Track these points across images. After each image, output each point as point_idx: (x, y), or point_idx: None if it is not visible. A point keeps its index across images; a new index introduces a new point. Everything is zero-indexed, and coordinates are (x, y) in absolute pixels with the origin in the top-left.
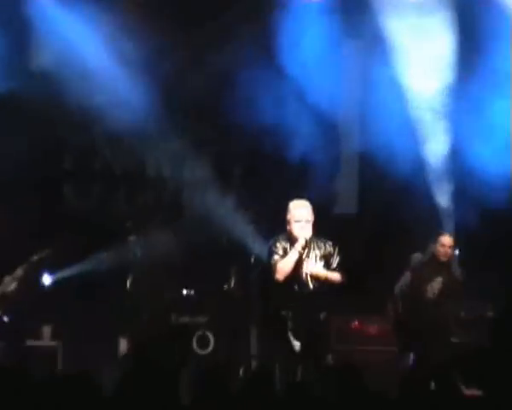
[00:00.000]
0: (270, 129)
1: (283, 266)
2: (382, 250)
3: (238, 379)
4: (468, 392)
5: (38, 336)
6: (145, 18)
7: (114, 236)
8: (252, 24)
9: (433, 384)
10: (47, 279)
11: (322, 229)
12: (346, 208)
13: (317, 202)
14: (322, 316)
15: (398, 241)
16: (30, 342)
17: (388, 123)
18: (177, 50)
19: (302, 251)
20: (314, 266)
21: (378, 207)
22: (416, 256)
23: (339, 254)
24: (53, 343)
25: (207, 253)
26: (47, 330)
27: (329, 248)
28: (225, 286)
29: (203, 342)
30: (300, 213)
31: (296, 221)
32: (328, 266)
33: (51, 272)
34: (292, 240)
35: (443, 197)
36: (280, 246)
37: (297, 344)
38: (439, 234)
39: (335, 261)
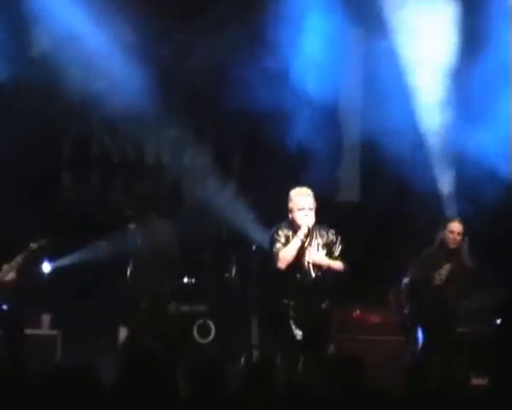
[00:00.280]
0: (270, 116)
1: (285, 255)
2: (385, 238)
3: (239, 368)
4: (475, 381)
5: (37, 325)
6: (143, 3)
7: (113, 224)
8: (251, 9)
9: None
10: (46, 268)
11: (324, 217)
12: (349, 196)
13: (319, 189)
14: (324, 305)
15: (401, 228)
16: (29, 331)
17: (390, 110)
18: (175, 36)
19: (304, 239)
20: (316, 255)
21: (380, 194)
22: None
23: (341, 242)
24: (52, 332)
25: (208, 241)
26: (46, 319)
27: (332, 237)
28: (226, 275)
29: (204, 331)
30: (303, 201)
31: (299, 209)
32: (330, 254)
33: (50, 261)
34: (294, 228)
35: (445, 184)
36: (282, 234)
37: (298, 333)
38: (448, 220)
39: (338, 250)
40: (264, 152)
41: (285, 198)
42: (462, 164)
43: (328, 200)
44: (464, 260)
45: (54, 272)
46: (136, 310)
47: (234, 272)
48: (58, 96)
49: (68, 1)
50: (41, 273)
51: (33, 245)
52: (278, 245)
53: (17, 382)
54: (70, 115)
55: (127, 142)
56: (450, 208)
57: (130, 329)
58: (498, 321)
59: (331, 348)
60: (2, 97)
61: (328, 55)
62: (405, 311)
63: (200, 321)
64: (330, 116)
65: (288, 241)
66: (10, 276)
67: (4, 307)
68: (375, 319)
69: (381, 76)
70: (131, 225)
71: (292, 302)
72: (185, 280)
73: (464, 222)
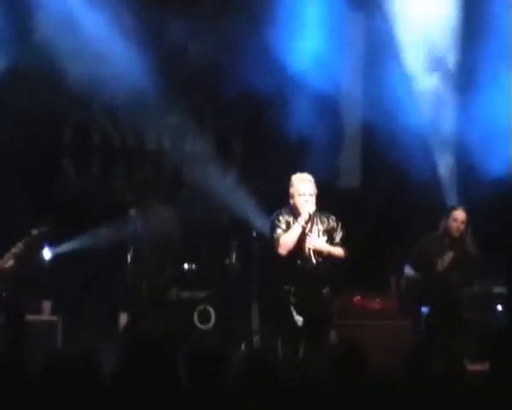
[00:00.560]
0: (271, 103)
1: (286, 241)
2: (385, 224)
3: (240, 354)
4: (473, 367)
5: (38, 311)
6: None
7: (114, 210)
8: None
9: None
10: (47, 254)
11: (324, 203)
12: (349, 182)
13: (320, 176)
14: (324, 291)
15: (402, 214)
16: (29, 317)
17: (391, 96)
18: (176, 23)
19: (305, 225)
20: (317, 241)
21: (381, 181)
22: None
23: (342, 228)
24: (53, 318)
25: (208, 227)
26: (47, 305)
27: (332, 223)
28: (227, 261)
29: (204, 317)
30: (304, 187)
31: (300, 195)
32: (331, 240)
33: (51, 247)
34: (295, 214)
35: (446, 170)
36: (283, 220)
37: (299, 319)
38: (452, 208)
39: (338, 236)
40: (265, 139)
41: (286, 184)
42: (462, 151)
43: (329, 186)
44: (467, 248)
45: (55, 258)
46: (137, 296)
47: (234, 258)
48: (58, 82)
49: None
50: (42, 260)
51: (34, 232)
52: (279, 231)
53: (17, 369)
54: (70, 102)
55: (128, 128)
56: (451, 196)
57: (131, 315)
58: (500, 307)
59: (332, 334)
60: (1, 84)
61: (329, 42)
62: (407, 296)
63: (201, 307)
64: (331, 103)
65: (288, 227)
66: (10, 263)
67: (5, 293)
68: (375, 305)
69: (382, 62)
70: (132, 212)
71: (292, 288)
72: (185, 266)
73: (467, 210)
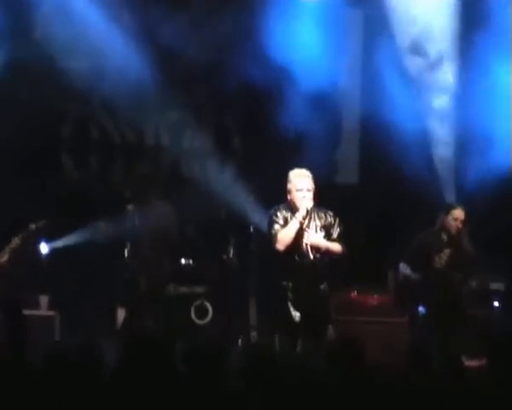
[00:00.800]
0: (270, 98)
1: (284, 236)
2: (383, 220)
3: (237, 350)
4: (469, 363)
5: (36, 306)
6: None
7: (113, 205)
8: None
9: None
10: (45, 248)
11: (322, 198)
12: (347, 178)
13: (318, 171)
14: (322, 287)
15: (400, 210)
16: (27, 312)
17: (390, 92)
18: (175, 19)
19: (303, 221)
20: (315, 237)
21: (379, 176)
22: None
23: (340, 224)
24: (50, 313)
25: (206, 222)
26: (44, 300)
27: (330, 219)
28: (224, 256)
29: (201, 313)
30: (302, 182)
31: (297, 190)
32: (328, 236)
33: (49, 242)
34: (293, 209)
35: (445, 165)
36: (281, 216)
37: (297, 315)
38: (452, 207)
39: (336, 232)
40: (264, 135)
41: (284, 180)
42: (462, 148)
43: (327, 182)
44: (465, 246)
45: (52, 253)
46: (135, 292)
47: (232, 253)
48: (58, 77)
49: None
50: (39, 254)
51: (32, 226)
52: (277, 227)
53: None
54: (69, 97)
55: (127, 124)
56: (449, 192)
57: (129, 310)
58: (497, 304)
59: (330, 330)
60: (1, 79)
61: (327, 38)
62: (406, 291)
63: (198, 303)
64: (329, 99)
65: (286, 222)
66: (5, 257)
67: (2, 287)
68: (373, 301)
69: (381, 57)
70: (130, 207)
71: (290, 284)
72: (183, 262)
73: (465, 209)
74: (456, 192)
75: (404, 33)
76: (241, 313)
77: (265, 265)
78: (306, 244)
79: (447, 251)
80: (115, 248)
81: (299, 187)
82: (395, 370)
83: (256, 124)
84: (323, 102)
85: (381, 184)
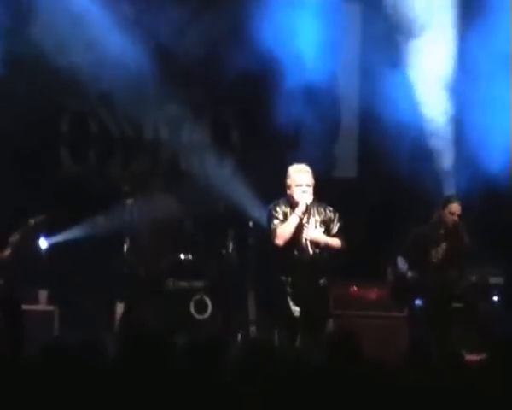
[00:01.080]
0: (268, 92)
1: (283, 231)
2: (382, 214)
3: (236, 345)
4: (469, 357)
5: (35, 301)
6: None
7: (111, 199)
8: None
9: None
10: (44, 243)
11: (321, 193)
12: (346, 172)
13: (316, 166)
14: (321, 281)
15: (398, 204)
16: (26, 307)
17: (389, 86)
18: (173, 12)
19: (302, 216)
20: (314, 232)
21: (378, 170)
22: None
23: (339, 219)
24: (49, 308)
25: (205, 217)
26: (43, 295)
27: (330, 214)
28: (223, 251)
29: (200, 307)
30: (301, 178)
31: (297, 185)
32: (328, 231)
33: (48, 236)
34: (292, 205)
35: (444, 161)
36: (280, 211)
37: (296, 310)
38: (449, 201)
39: (335, 227)
40: (262, 129)
41: (283, 175)
42: (462, 142)
43: (326, 177)
44: (462, 239)
45: (51, 247)
46: (134, 286)
47: (231, 248)
48: (56, 72)
49: None
50: (39, 249)
51: (31, 221)
52: (276, 222)
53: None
54: (68, 92)
55: (125, 118)
56: (449, 186)
57: (127, 304)
58: (496, 298)
59: (329, 324)
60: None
61: (325, 32)
62: (403, 285)
63: (197, 297)
64: (327, 92)
65: (285, 217)
66: (8, 252)
67: (1, 282)
68: (372, 295)
69: (380, 51)
70: (129, 201)
71: (289, 279)
72: (182, 256)
73: (462, 202)
74: (454, 186)
75: (401, 25)
76: (241, 307)
77: (264, 260)
78: (306, 239)
79: (444, 245)
80: (114, 242)
81: (298, 182)
82: (394, 364)
83: (254, 118)
84: (321, 97)
85: (379, 178)
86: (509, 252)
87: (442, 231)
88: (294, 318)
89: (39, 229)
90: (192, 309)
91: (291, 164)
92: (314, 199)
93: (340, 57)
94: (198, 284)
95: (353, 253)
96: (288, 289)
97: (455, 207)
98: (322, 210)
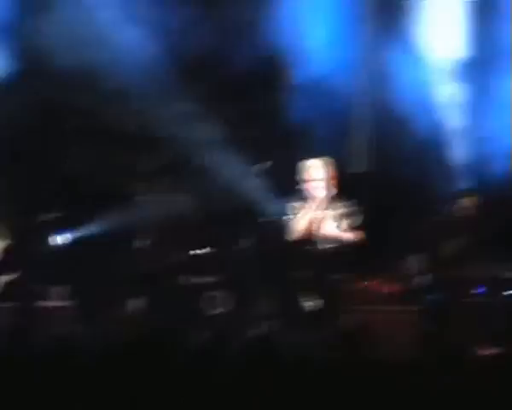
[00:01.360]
0: (282, 86)
1: (298, 226)
2: (395, 208)
3: (249, 339)
4: (483, 352)
5: (49, 297)
6: None
7: (126, 196)
8: None
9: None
10: (59, 239)
11: (335, 188)
12: (360, 166)
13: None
14: (335, 276)
15: (412, 198)
16: (40, 303)
17: (402, 78)
18: (185, 8)
19: (316, 211)
20: (329, 226)
21: (391, 164)
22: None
23: (353, 214)
24: (63, 304)
25: (219, 212)
26: (57, 291)
27: (344, 208)
28: (238, 245)
29: (215, 302)
30: (315, 172)
31: (310, 180)
32: (342, 225)
33: (62, 233)
34: (307, 199)
35: (457, 154)
36: (295, 205)
37: (310, 304)
38: (463, 194)
39: (350, 221)
40: (277, 123)
41: (297, 169)
42: (475, 136)
43: (340, 171)
44: (476, 233)
45: (66, 243)
46: (149, 281)
47: (245, 243)
48: (68, 68)
49: None
50: (53, 245)
51: (46, 217)
52: (290, 216)
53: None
54: (80, 88)
55: (139, 114)
56: (462, 180)
57: (142, 300)
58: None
59: (343, 318)
60: (12, 72)
61: (336, 25)
62: (419, 279)
63: (211, 292)
64: (338, 86)
65: (299, 212)
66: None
67: (16, 279)
68: (386, 289)
69: (393, 42)
70: (142, 198)
71: (303, 274)
72: (197, 251)
73: (477, 196)
74: (471, 180)
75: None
76: (255, 302)
77: (279, 254)
78: (320, 234)
79: (459, 238)
80: (127, 238)
81: (311, 177)
82: (407, 359)
83: (269, 113)
84: (334, 90)
85: (391, 172)
86: None
87: (455, 225)
88: (308, 312)
89: (54, 225)
90: (206, 304)
91: (304, 159)
92: (329, 193)
93: (352, 51)
94: (212, 279)
95: (366, 247)
96: (302, 284)
97: (469, 201)
98: (336, 204)
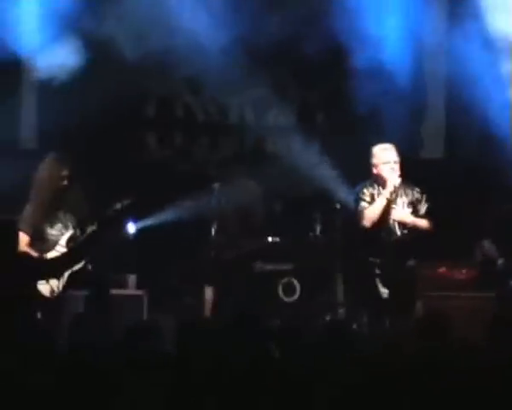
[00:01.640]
0: (354, 74)
1: (371, 213)
2: (469, 194)
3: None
4: None
5: (123, 285)
6: None
7: (198, 183)
8: None
9: None
10: (132, 228)
11: (408, 174)
12: (433, 152)
13: (403, 146)
14: (409, 263)
15: (486, 185)
16: (114, 291)
17: (475, 63)
18: None
19: (390, 197)
20: (402, 213)
21: (465, 151)
22: None
23: (427, 200)
24: (138, 292)
25: (292, 200)
26: (132, 279)
27: (417, 195)
28: (311, 233)
29: (289, 290)
30: (387, 155)
31: (384, 163)
32: (415, 212)
33: (135, 221)
34: (379, 185)
35: None
36: (367, 192)
37: (385, 291)
38: None
39: (423, 208)
40: (348, 110)
41: (368, 157)
42: None
43: (412, 157)
44: None
45: (139, 232)
46: (222, 269)
47: (319, 230)
48: (142, 57)
49: None
50: (127, 234)
51: (119, 205)
52: (363, 204)
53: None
54: (154, 76)
55: (211, 101)
56: None
57: (215, 288)
58: None
59: (418, 305)
60: (85, 61)
61: (410, 12)
62: (492, 267)
63: (285, 280)
64: (414, 73)
65: (372, 199)
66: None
67: (90, 266)
68: (460, 275)
69: (466, 31)
70: (215, 185)
71: (377, 261)
72: (270, 239)
73: None
74: None
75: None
76: (329, 290)
77: (352, 242)
78: (393, 220)
79: None
80: (201, 226)
81: (385, 160)
82: (482, 345)
83: (341, 100)
84: (408, 77)
85: (466, 158)
86: None
87: None
88: (383, 299)
89: (127, 214)
90: (280, 292)
91: (375, 145)
92: (401, 180)
93: (426, 38)
94: (286, 266)
95: (441, 233)
96: (376, 271)
97: None
98: (409, 191)
